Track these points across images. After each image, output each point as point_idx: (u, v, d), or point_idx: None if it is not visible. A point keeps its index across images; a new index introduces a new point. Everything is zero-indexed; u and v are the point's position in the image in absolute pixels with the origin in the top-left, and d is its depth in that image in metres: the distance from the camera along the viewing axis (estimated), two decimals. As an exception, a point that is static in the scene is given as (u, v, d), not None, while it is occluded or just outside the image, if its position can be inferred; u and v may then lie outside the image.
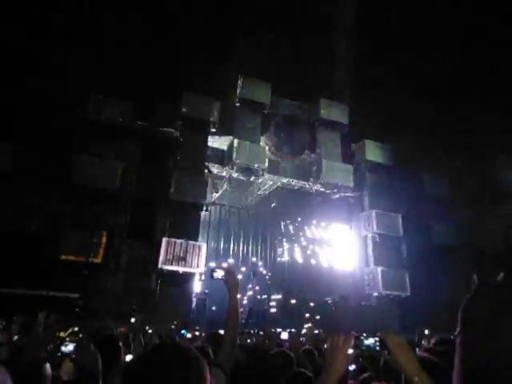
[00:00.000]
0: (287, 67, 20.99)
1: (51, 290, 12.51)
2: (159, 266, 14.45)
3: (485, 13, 20.36)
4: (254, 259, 19.16)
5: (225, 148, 17.70)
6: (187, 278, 15.01)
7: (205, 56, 18.38)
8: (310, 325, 11.74)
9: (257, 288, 17.00)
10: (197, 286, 15.33)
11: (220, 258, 17.61)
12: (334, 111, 19.81)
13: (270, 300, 15.37)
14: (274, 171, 18.27)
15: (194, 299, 15.11)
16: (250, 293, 16.65)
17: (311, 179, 18.86)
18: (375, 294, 17.94)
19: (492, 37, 20.24)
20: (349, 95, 21.06)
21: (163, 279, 14.67)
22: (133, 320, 10.04)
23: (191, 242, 15.12)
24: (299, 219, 21.23)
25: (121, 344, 2.53)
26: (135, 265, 14.83)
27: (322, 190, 18.94)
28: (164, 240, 14.75)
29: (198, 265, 14.92)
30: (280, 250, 20.10)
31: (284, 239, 20.62)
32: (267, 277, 18.04)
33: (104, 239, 14.48)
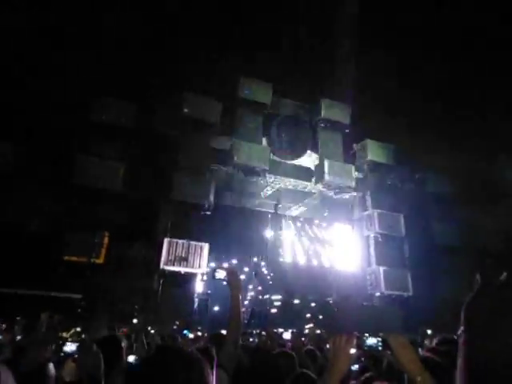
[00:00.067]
0: (288, 67, 20.98)
1: (53, 290, 12.55)
2: (161, 266, 14.47)
3: (486, 12, 20.33)
4: (255, 259, 19.17)
5: (226, 148, 17.70)
6: (189, 278, 15.03)
7: (206, 56, 18.37)
8: (311, 325, 11.75)
9: (259, 288, 17.01)
10: (199, 287, 15.35)
11: (222, 259, 17.61)
12: (335, 111, 19.79)
13: (271, 300, 15.38)
14: (276, 171, 18.26)
15: (196, 299, 15.13)
16: (251, 293, 16.66)
17: (313, 179, 18.84)
18: (377, 293, 17.92)
19: (494, 36, 20.20)
20: (350, 95, 21.03)
21: (165, 280, 14.69)
22: (135, 321, 10.07)
23: (193, 243, 15.13)
24: (301, 219, 21.22)
25: (123, 344, 2.54)
26: (137, 265, 14.85)
27: (324, 190, 18.92)
28: (166, 240, 14.77)
29: (199, 265, 14.93)
30: (282, 250, 20.09)
31: (286, 239, 20.61)
32: (269, 277, 18.04)
33: (106, 240, 14.50)
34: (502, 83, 19.35)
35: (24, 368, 1.88)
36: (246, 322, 13.15)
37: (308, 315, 14.27)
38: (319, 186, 18.89)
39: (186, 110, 16.70)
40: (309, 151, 18.96)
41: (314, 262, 20.10)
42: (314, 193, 19.89)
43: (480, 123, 20.30)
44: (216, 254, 16.95)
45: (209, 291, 15.36)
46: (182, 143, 16.58)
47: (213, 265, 15.39)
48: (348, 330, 1.39)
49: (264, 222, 20.75)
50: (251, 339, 7.39)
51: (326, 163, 18.29)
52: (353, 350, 1.38)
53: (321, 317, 14.36)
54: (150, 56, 18.48)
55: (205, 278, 15.32)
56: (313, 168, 19.05)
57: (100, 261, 14.20)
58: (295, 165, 18.97)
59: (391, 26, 21.79)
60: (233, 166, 16.86)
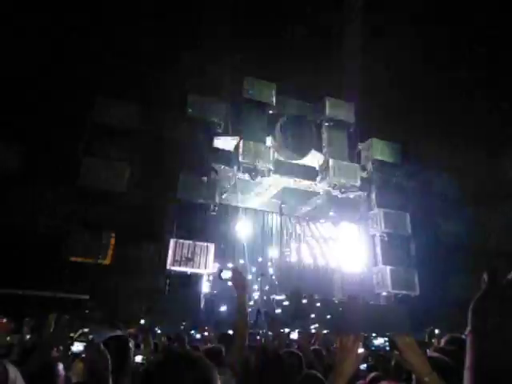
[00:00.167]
0: (292, 66, 20.94)
1: (61, 291, 12.64)
2: (167, 267, 14.51)
3: (492, 12, 20.17)
4: (261, 259, 19.16)
5: (231, 148, 17.72)
6: (195, 278, 15.06)
7: (209, 57, 18.38)
8: (316, 325, 11.74)
9: (265, 288, 17.00)
10: (205, 287, 15.37)
11: (228, 259, 17.63)
12: (340, 110, 19.75)
13: (277, 300, 15.37)
14: (281, 171, 18.24)
15: (203, 300, 15.15)
16: (257, 293, 16.65)
17: (318, 179, 18.81)
18: (384, 293, 17.85)
19: (502, 35, 20.02)
20: (355, 93, 20.95)
21: (171, 280, 14.74)
22: (142, 321, 10.11)
23: (199, 243, 15.16)
24: (306, 219, 21.19)
25: (130, 345, 2.55)
26: (143, 266, 14.92)
27: (329, 189, 18.88)
28: (172, 241, 14.81)
29: (206, 265, 14.96)
30: (287, 250, 20.08)
31: (291, 239, 20.60)
32: (274, 277, 18.02)
33: (112, 241, 14.58)
34: (509, 81, 19.19)
35: (32, 368, 1.90)
36: (252, 321, 13.14)
37: (312, 315, 14.24)
38: (324, 186, 18.84)
39: (190, 111, 16.77)
40: (313, 150, 18.92)
41: (320, 262, 20.07)
42: (319, 192, 19.84)
43: (488, 121, 20.14)
44: (222, 255, 16.98)
45: (215, 291, 15.38)
46: (187, 144, 16.64)
47: (217, 265, 15.41)
48: (355, 330, 1.39)
49: (269, 222, 20.76)
50: (258, 337, 7.40)
51: (331, 162, 18.25)
52: (360, 350, 1.38)
53: (329, 316, 14.33)
54: (154, 57, 18.54)
55: (211, 278, 15.34)
56: (318, 167, 19.01)
57: (106, 262, 14.28)
58: (300, 164, 18.93)
59: (397, 23, 21.68)
60: (238, 166, 16.88)
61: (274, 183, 19.23)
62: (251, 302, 15.72)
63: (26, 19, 16.77)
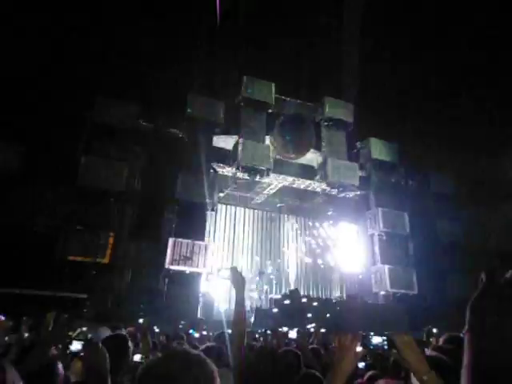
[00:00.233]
0: (291, 66, 20.95)
1: (59, 290, 12.62)
2: (166, 266, 14.52)
3: (491, 12, 20.19)
4: (260, 259, 19.18)
5: (230, 148, 17.73)
6: (194, 277, 15.07)
7: (208, 56, 18.37)
8: (313, 324, 11.75)
9: (264, 288, 17.02)
10: (204, 286, 15.38)
11: (226, 258, 17.65)
12: (338, 109, 19.75)
13: (275, 299, 15.38)
14: (279, 170, 18.25)
15: (201, 299, 15.17)
16: (256, 292, 16.67)
17: (316, 178, 18.82)
18: (382, 292, 17.89)
19: (500, 34, 20.05)
20: (354, 93, 20.97)
21: (170, 279, 14.74)
22: (141, 320, 10.11)
23: (197, 242, 15.17)
24: (305, 218, 21.22)
25: (130, 344, 2.55)
26: (142, 265, 14.92)
27: (328, 188, 18.90)
28: (170, 240, 14.82)
29: (204, 265, 14.98)
30: (286, 249, 20.11)
31: (290, 238, 20.63)
32: (272, 276, 18.04)
33: (111, 240, 14.57)
34: (508, 80, 19.22)
35: (31, 366, 1.90)
36: (250, 321, 13.15)
37: (308, 315, 14.24)
38: (323, 185, 18.87)
39: (189, 110, 16.76)
40: (312, 150, 18.94)
41: (319, 261, 20.11)
42: (318, 191, 19.86)
43: (485, 121, 20.18)
44: (221, 254, 16.99)
45: (214, 290, 15.40)
46: (186, 143, 16.64)
47: (217, 264, 15.42)
48: (353, 328, 1.39)
49: (268, 222, 20.78)
50: (256, 338, 7.40)
51: (330, 162, 18.26)
52: (359, 349, 1.38)
53: (328, 315, 14.34)
54: (153, 57, 18.52)
55: (209, 277, 15.35)
56: (316, 167, 19.03)
57: (105, 261, 14.27)
58: (299, 164, 18.95)
59: (395, 24, 21.69)
60: (236, 165, 16.88)
61: (273, 182, 19.25)
62: (250, 301, 15.73)
63: (25, 19, 16.72)
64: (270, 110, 18.63)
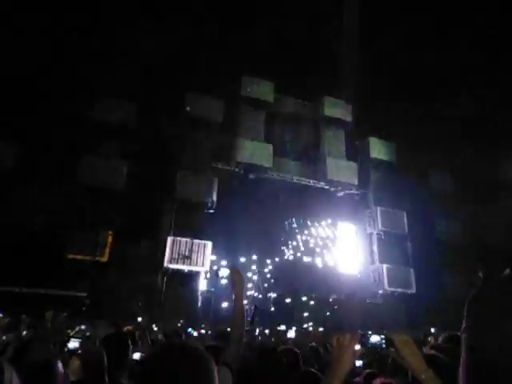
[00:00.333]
0: (290, 65, 20.92)
1: (58, 288, 12.61)
2: (165, 264, 14.52)
3: (491, 12, 20.20)
4: (258, 258, 19.16)
5: (228, 146, 17.72)
6: (193, 276, 15.07)
7: (207, 55, 18.36)
8: (310, 323, 11.79)
9: (263, 286, 17.04)
10: (202, 285, 15.39)
11: (225, 257, 17.63)
12: (337, 109, 19.78)
13: (274, 299, 15.41)
14: (278, 169, 18.26)
15: (200, 297, 15.17)
16: (254, 291, 16.68)
17: (316, 177, 18.83)
18: (381, 291, 17.91)
19: (498, 34, 20.07)
20: (352, 93, 20.97)
21: (169, 278, 14.75)
22: (139, 319, 10.11)
23: (196, 241, 15.17)
24: (304, 217, 21.20)
25: (129, 342, 2.55)
26: (141, 263, 14.91)
27: (327, 187, 18.91)
28: (169, 239, 14.82)
29: (203, 263, 14.98)
30: (284, 248, 20.09)
31: (289, 237, 20.61)
32: (269, 275, 18.04)
33: (110, 238, 14.56)
34: (507, 80, 19.24)
35: (29, 365, 1.90)
36: (249, 319, 13.17)
37: (305, 314, 14.28)
38: (322, 184, 18.87)
39: (188, 109, 16.75)
40: (311, 149, 18.95)
41: (317, 260, 20.10)
42: (317, 190, 19.86)
43: (483, 121, 20.20)
44: (219, 253, 16.98)
45: (212, 289, 15.40)
46: (185, 142, 16.63)
47: (216, 263, 15.42)
48: (352, 327, 1.40)
49: (267, 220, 20.75)
50: (255, 337, 7.42)
51: (329, 161, 18.28)
52: (357, 347, 1.38)
53: (328, 313, 14.39)
54: (153, 56, 18.48)
55: (208, 275, 15.35)
56: (315, 166, 19.04)
57: (104, 259, 14.28)
58: (297, 162, 18.95)
59: (393, 23, 21.69)
60: (235, 164, 16.88)
61: (272, 181, 19.24)
62: (249, 300, 15.74)
63: (26, 19, 16.68)
64: (269, 109, 18.62)
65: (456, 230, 19.20)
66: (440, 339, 2.63)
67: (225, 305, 15.15)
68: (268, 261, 18.88)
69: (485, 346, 0.79)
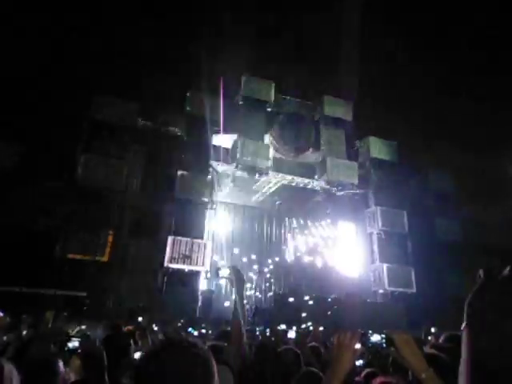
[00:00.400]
0: (290, 65, 20.93)
1: (58, 288, 12.61)
2: (165, 264, 14.51)
3: (490, 11, 20.18)
4: (259, 257, 19.15)
5: (229, 146, 17.72)
6: (193, 276, 15.06)
7: (207, 55, 18.36)
8: (309, 323, 11.79)
9: (265, 286, 17.04)
10: (203, 284, 15.38)
11: (225, 257, 17.63)
12: (337, 108, 19.75)
13: (274, 298, 15.40)
14: (278, 169, 18.25)
15: (200, 297, 15.16)
16: (255, 291, 16.68)
17: (316, 177, 18.82)
18: (381, 291, 17.91)
19: (500, 34, 20.05)
20: (353, 92, 20.97)
21: (169, 277, 14.73)
22: (140, 318, 10.11)
23: (196, 241, 15.16)
24: (304, 217, 21.18)
25: (131, 341, 2.56)
26: (141, 263, 14.91)
27: (327, 187, 18.90)
28: (169, 238, 14.81)
29: (203, 263, 14.97)
30: (285, 248, 20.09)
31: (289, 237, 20.60)
32: (269, 275, 18.03)
33: (110, 238, 14.56)
34: (508, 81, 19.23)
35: (30, 364, 1.90)
36: (250, 319, 13.16)
37: (303, 314, 14.26)
38: (322, 184, 18.87)
39: (188, 108, 16.75)
40: (311, 148, 18.94)
41: (318, 260, 20.08)
42: (317, 190, 19.86)
43: (484, 120, 20.20)
44: (220, 252, 16.99)
45: (213, 289, 15.40)
46: (185, 141, 16.63)
47: (222, 262, 15.41)
48: (352, 326, 1.40)
49: (267, 220, 20.75)
50: (255, 337, 7.42)
51: (329, 160, 18.27)
52: (357, 346, 1.39)
53: (329, 313, 14.36)
54: (153, 56, 18.50)
55: (208, 275, 15.34)
56: (315, 165, 19.03)
57: (104, 259, 14.26)
58: (298, 162, 18.95)
59: (394, 22, 21.69)
60: (236, 163, 16.87)
61: (272, 181, 19.24)
62: (249, 300, 15.74)
63: (26, 19, 16.68)
64: (269, 109, 18.62)
65: (456, 229, 19.19)
66: (441, 339, 2.63)
67: (225, 305, 15.14)
68: (268, 261, 18.87)
69: (485, 345, 0.80)
